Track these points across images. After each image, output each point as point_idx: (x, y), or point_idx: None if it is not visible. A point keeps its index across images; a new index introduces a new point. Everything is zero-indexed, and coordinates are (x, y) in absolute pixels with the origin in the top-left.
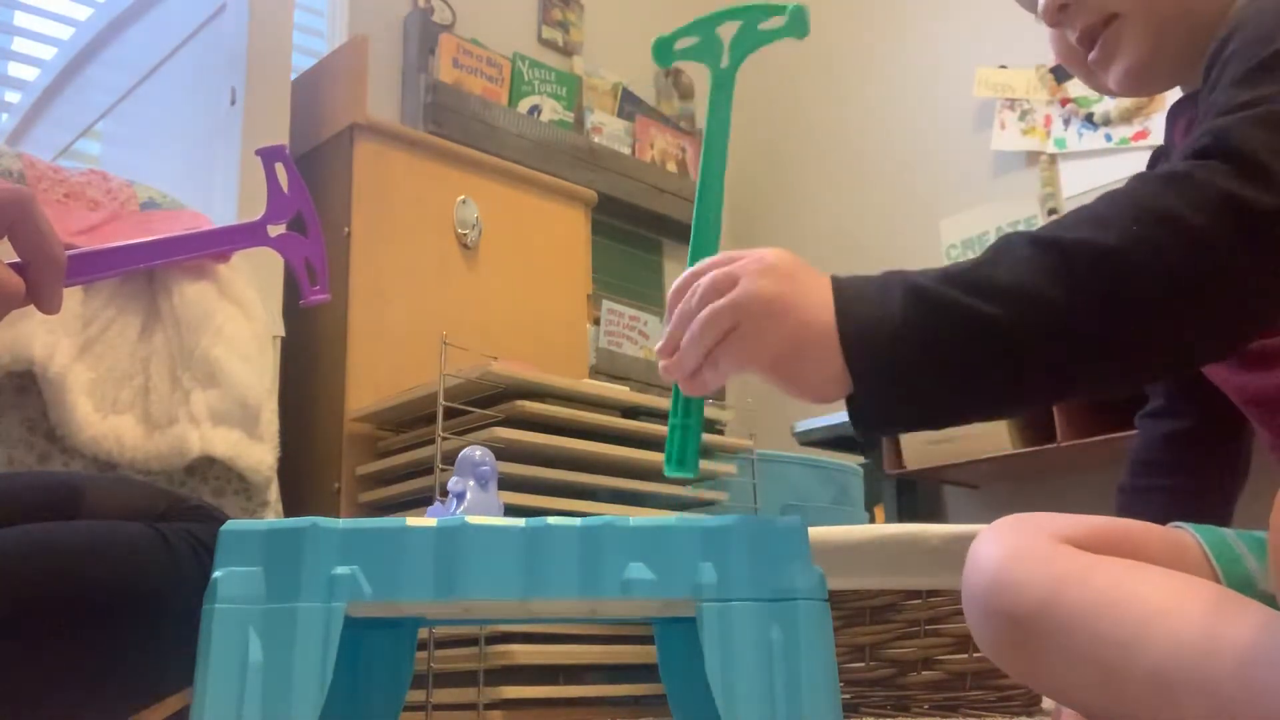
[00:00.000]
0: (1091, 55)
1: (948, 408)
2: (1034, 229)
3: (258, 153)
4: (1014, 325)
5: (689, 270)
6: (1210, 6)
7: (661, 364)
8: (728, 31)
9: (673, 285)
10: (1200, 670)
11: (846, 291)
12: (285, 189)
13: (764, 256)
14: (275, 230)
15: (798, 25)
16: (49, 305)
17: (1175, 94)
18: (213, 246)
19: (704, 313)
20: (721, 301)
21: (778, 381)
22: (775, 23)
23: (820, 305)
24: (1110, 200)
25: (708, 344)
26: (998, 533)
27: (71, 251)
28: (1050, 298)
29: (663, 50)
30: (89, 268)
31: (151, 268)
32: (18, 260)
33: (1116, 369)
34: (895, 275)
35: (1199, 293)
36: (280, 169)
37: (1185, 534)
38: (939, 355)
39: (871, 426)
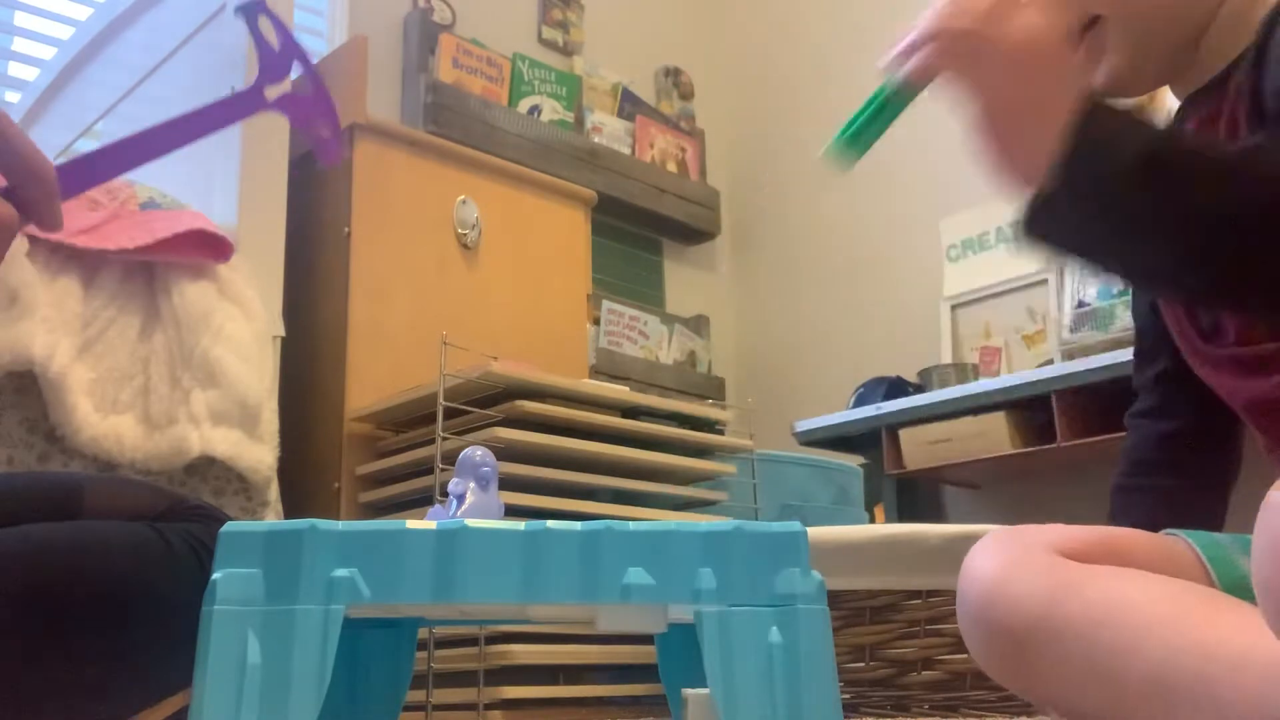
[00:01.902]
0: (1077, 56)
1: (1124, 250)
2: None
3: (236, 10)
4: (1232, 200)
5: None
6: (1195, 12)
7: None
8: None
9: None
10: (1196, 675)
11: (1099, 107)
12: (275, 46)
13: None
14: (274, 92)
15: None
16: (48, 222)
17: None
18: (209, 127)
19: (976, 21)
20: (995, 26)
21: (983, 129)
22: None
23: (1068, 94)
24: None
25: (962, 30)
26: (991, 546)
27: (59, 164)
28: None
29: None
30: (83, 178)
31: (148, 161)
32: (3, 185)
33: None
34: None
35: None
36: (265, 23)
37: (1179, 541)
38: (1152, 192)
39: (1043, 230)
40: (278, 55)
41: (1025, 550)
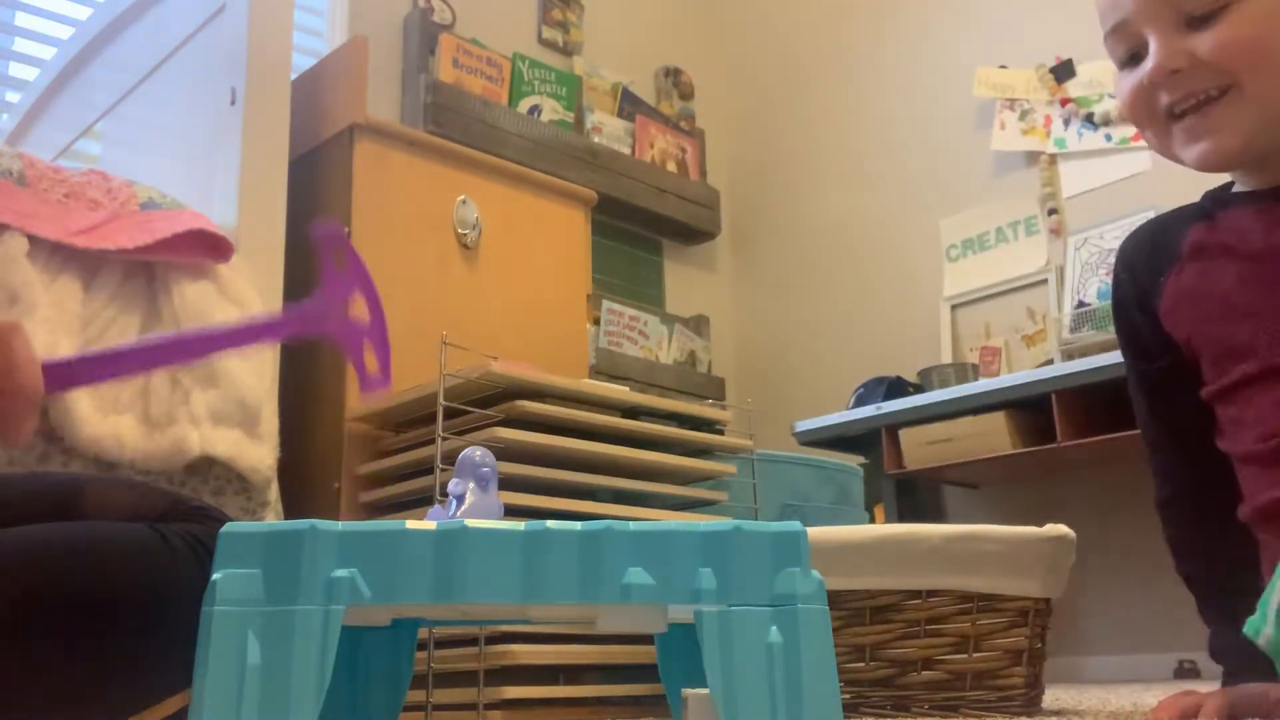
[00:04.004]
0: (1184, 123)
1: None
2: None
3: (315, 238)
4: None
5: None
6: None
7: None
8: None
9: None
10: None
11: None
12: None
13: None
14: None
15: None
16: (10, 439)
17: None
18: (256, 339)
19: None
20: None
21: None
22: None
23: None
24: None
25: None
26: None
27: (113, 351)
28: None
29: None
30: (107, 368)
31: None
32: None
33: None
34: None
35: None
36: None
37: None
38: None
39: None
40: (343, 283)
41: None
